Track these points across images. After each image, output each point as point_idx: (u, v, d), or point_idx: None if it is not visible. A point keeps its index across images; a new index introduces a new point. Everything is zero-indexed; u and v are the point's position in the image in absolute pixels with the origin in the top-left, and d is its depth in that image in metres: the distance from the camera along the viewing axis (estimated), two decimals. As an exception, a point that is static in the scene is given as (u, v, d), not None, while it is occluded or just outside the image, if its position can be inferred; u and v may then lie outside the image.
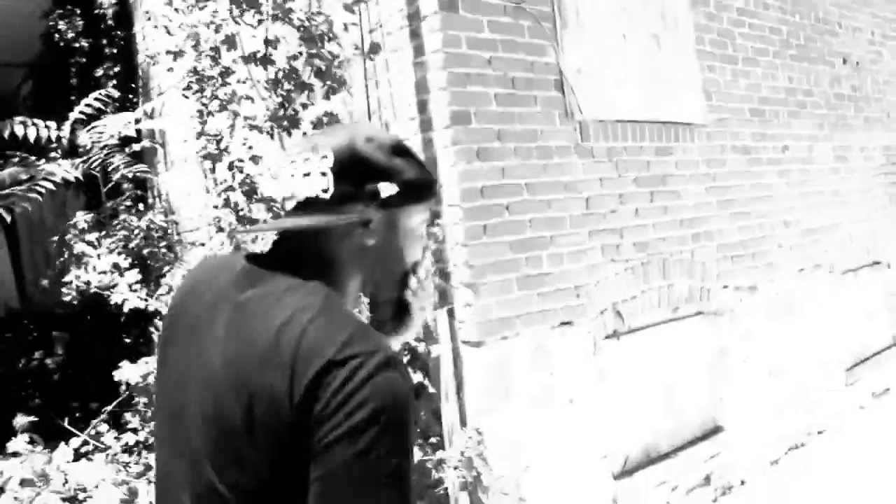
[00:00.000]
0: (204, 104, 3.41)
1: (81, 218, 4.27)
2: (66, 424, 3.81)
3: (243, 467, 0.99)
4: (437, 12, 3.39)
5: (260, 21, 3.13)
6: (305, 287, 1.07)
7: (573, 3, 3.92)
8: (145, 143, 4.02)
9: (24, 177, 4.55)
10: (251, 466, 0.98)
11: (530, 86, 3.70)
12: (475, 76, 3.49)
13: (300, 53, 3.22)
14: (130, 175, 4.70)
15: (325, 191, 1.10)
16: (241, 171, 3.33)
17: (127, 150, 4.96)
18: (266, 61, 3.17)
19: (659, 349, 4.30)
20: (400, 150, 1.15)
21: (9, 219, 4.20)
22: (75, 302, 3.70)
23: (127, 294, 3.85)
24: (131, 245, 4.61)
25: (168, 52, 3.49)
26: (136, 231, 4.73)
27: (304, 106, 3.54)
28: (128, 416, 3.40)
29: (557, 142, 3.80)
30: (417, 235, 1.19)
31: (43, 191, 4.37)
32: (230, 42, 3.19)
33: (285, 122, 3.30)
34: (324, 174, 1.10)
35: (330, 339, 0.98)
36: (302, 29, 3.16)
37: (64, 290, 3.75)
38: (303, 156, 1.14)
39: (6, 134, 4.64)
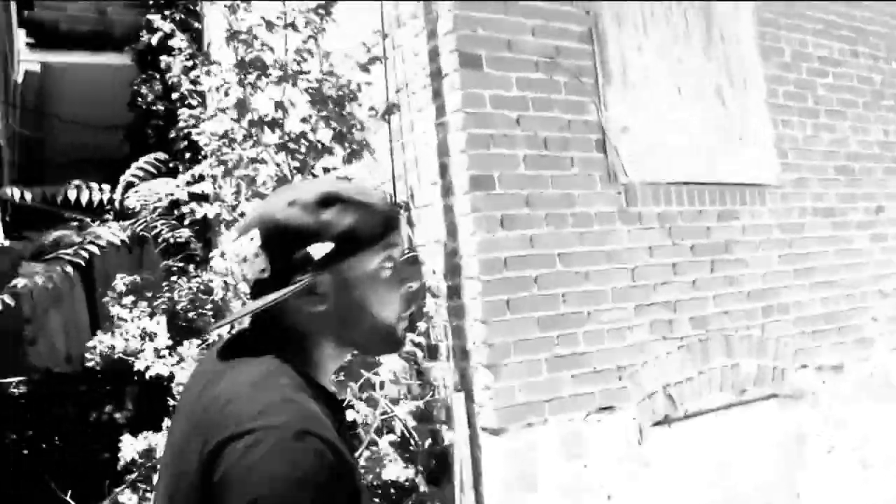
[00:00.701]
0: (213, 169, 3.30)
1: (120, 281, 4.25)
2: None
3: None
4: (458, 70, 3.16)
5: (266, 84, 3.00)
6: (257, 362, 1.03)
7: (618, 57, 3.61)
8: (185, 208, 4.00)
9: (76, 239, 4.58)
10: None
11: (566, 146, 3.40)
12: (500, 137, 3.22)
13: (310, 116, 3.06)
14: (173, 240, 4.67)
15: (262, 271, 1.07)
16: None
17: (176, 212, 4.96)
18: (274, 125, 3.02)
19: (721, 437, 3.80)
20: (328, 201, 1.07)
21: (50, 284, 4.21)
22: (98, 367, 3.63)
23: (151, 360, 3.75)
24: (178, 307, 4.55)
25: (190, 116, 3.43)
26: (184, 293, 4.68)
27: (326, 170, 3.37)
28: (127, 493, 3.26)
29: (598, 207, 3.46)
30: (383, 281, 1.09)
31: (86, 255, 4.37)
32: (241, 106, 3.06)
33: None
34: (256, 255, 1.08)
35: (240, 412, 0.95)
36: (312, 91, 3.00)
37: (87, 354, 3.70)
38: (238, 241, 1.11)
39: (60, 198, 4.72)
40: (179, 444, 1.03)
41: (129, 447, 3.07)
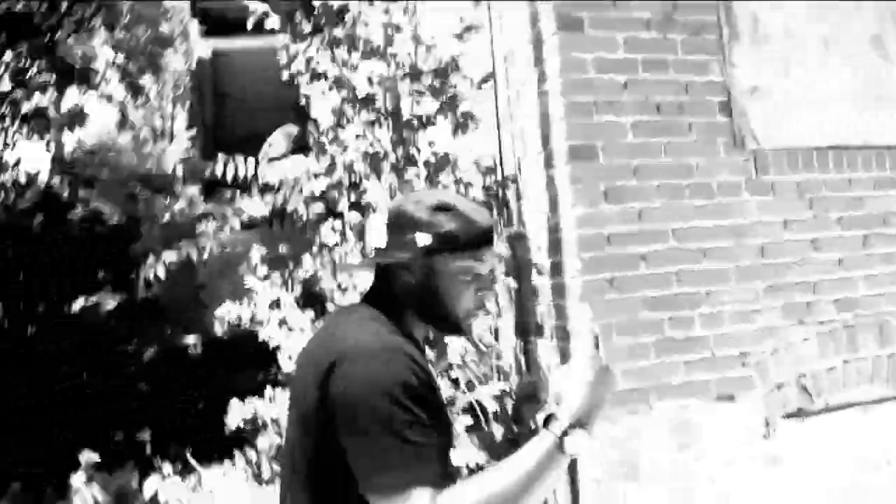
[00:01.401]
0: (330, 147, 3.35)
1: (256, 252, 4.45)
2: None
3: (307, 441, 1.27)
4: (556, 33, 2.97)
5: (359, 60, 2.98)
6: (361, 312, 1.36)
7: (748, 10, 3.23)
8: (309, 186, 4.11)
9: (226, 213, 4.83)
10: (311, 441, 1.26)
11: (682, 111, 3.11)
12: (604, 104, 3.00)
13: (402, 91, 3.01)
14: (307, 215, 4.83)
15: (382, 241, 1.39)
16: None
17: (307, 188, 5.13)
18: (368, 102, 3.00)
19: (871, 435, 3.36)
20: (443, 207, 1.36)
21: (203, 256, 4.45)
22: (225, 337, 3.84)
23: (273, 332, 3.91)
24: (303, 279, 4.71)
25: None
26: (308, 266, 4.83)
27: (430, 143, 3.32)
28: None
29: (722, 177, 3.14)
30: (461, 282, 1.35)
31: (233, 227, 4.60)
32: (338, 83, 3.07)
33: (398, 163, 3.10)
34: (381, 231, 1.40)
35: (345, 342, 1.25)
36: (403, 65, 2.94)
37: (216, 322, 3.91)
38: (377, 218, 1.51)
39: (208, 173, 5.02)
40: (301, 379, 1.30)
41: (237, 412, 3.22)
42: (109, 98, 14.27)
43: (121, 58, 12.37)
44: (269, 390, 3.47)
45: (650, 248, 3.01)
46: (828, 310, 3.28)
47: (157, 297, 6.85)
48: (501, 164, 3.43)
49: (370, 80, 3.03)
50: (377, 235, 1.40)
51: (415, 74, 3.00)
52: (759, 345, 3.15)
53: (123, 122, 14.58)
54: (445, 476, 1.15)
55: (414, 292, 1.36)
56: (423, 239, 1.33)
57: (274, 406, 3.61)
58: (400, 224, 1.37)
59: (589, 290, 2.92)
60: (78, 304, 6.74)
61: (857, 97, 3.40)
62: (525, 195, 3.33)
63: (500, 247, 3.15)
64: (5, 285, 6.93)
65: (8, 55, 10.32)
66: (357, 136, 3.20)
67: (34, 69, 12.28)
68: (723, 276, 3.11)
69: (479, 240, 1.36)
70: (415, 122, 3.11)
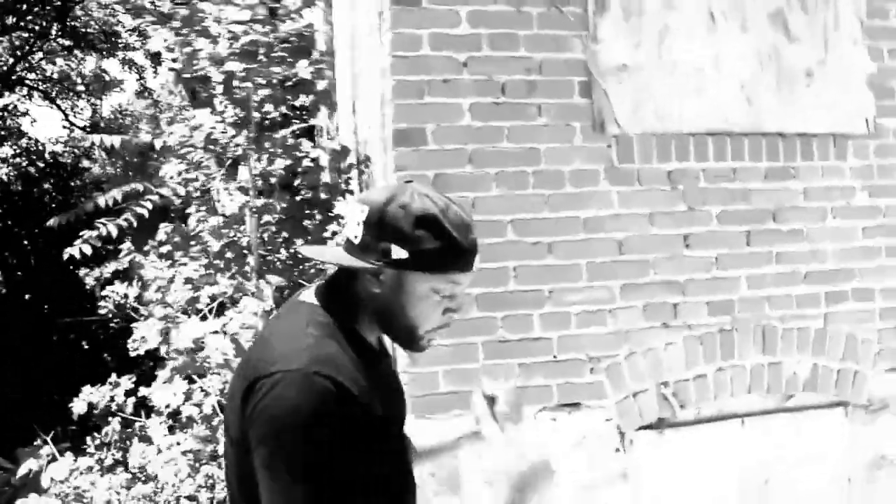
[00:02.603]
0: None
1: (162, 230, 4.35)
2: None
3: (238, 456, 1.23)
4: (392, 7, 2.73)
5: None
6: (304, 312, 1.29)
7: (617, -22, 2.92)
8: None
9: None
10: (239, 458, 1.22)
11: (533, 91, 2.84)
12: (439, 84, 2.76)
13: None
14: None
15: (355, 237, 1.28)
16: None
17: None
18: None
19: (750, 450, 3.08)
20: (427, 222, 1.24)
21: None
22: (110, 315, 3.76)
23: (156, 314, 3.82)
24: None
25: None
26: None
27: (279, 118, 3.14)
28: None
29: (577, 164, 2.88)
30: (431, 302, 1.27)
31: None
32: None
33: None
34: (358, 224, 1.28)
35: (271, 356, 1.20)
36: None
37: (101, 303, 3.84)
38: (353, 205, 1.32)
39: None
40: (232, 391, 1.27)
41: (81, 402, 3.14)
42: (131, 64, 14.44)
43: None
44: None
45: (483, 241, 2.77)
46: (699, 312, 3.00)
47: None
48: (357, 146, 3.23)
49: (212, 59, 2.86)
50: (351, 227, 1.29)
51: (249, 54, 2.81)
52: (612, 349, 2.89)
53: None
54: None
55: (377, 301, 1.29)
56: (399, 253, 1.24)
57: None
58: (380, 226, 1.26)
59: (411, 285, 2.72)
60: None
61: (750, 78, 3.06)
62: (371, 181, 3.13)
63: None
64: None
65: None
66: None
67: (51, 34, 12.48)
68: (571, 273, 2.86)
69: (458, 264, 1.27)
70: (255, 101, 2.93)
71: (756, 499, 3.09)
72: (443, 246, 1.24)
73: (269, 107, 3.09)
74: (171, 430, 3.52)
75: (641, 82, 2.93)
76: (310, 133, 4.00)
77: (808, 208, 3.15)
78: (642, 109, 2.93)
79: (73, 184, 9.82)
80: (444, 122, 2.76)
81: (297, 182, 3.09)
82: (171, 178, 3.23)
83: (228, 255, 3.07)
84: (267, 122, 3.16)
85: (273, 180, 3.14)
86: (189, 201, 3.31)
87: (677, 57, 2.99)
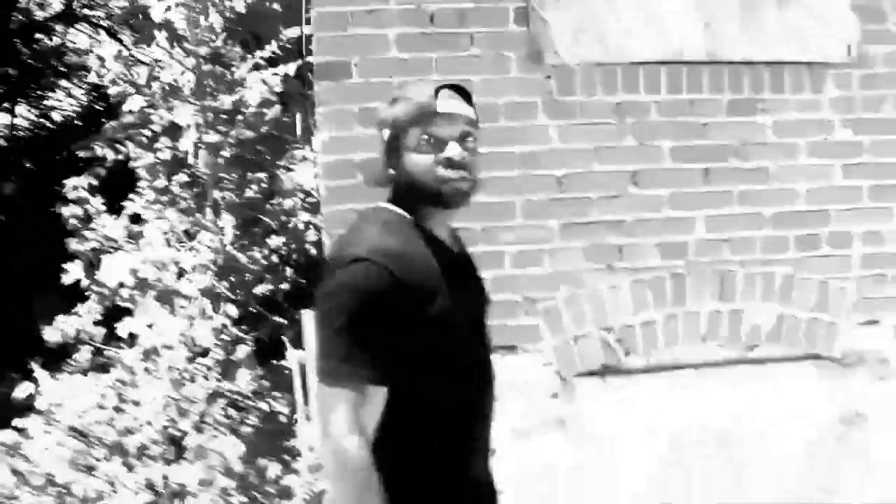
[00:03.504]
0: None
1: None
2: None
3: None
4: (313, -67, 2.65)
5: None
6: (379, 214, 1.46)
7: None
8: None
9: None
10: None
11: (464, 20, 2.71)
12: (363, 14, 2.67)
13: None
14: None
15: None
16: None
17: None
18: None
19: (709, 402, 2.91)
20: (396, 98, 1.49)
21: None
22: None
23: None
24: None
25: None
26: None
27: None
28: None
29: (509, 97, 2.74)
30: (422, 153, 1.42)
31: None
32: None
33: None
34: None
35: (341, 249, 1.41)
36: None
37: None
38: None
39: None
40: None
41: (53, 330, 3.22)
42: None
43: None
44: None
45: (410, 177, 2.69)
46: (648, 255, 2.83)
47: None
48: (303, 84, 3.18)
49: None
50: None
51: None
52: (549, 291, 2.77)
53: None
54: (383, 378, 1.31)
55: (402, 183, 1.45)
56: (385, 133, 1.46)
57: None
58: (378, 129, 1.50)
59: (335, 220, 2.67)
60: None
61: (709, 3, 2.83)
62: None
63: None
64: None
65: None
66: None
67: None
68: (505, 211, 2.74)
69: (419, 112, 1.42)
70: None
71: (717, 453, 2.92)
72: (401, 107, 1.45)
73: (218, 40, 3.07)
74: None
75: (584, 7, 2.75)
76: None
77: (778, 144, 2.91)
78: (585, 37, 2.76)
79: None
80: (369, 55, 2.68)
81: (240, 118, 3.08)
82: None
83: (177, 190, 3.09)
84: (220, 55, 3.15)
85: (224, 117, 3.14)
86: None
87: (628, -19, 2.79)
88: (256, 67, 3.17)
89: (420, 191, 1.42)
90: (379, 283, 1.31)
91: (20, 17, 11.58)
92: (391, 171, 1.46)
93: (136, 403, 3.00)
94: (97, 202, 3.19)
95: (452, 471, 1.43)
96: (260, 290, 3.36)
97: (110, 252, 2.97)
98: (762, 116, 2.89)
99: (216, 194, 3.23)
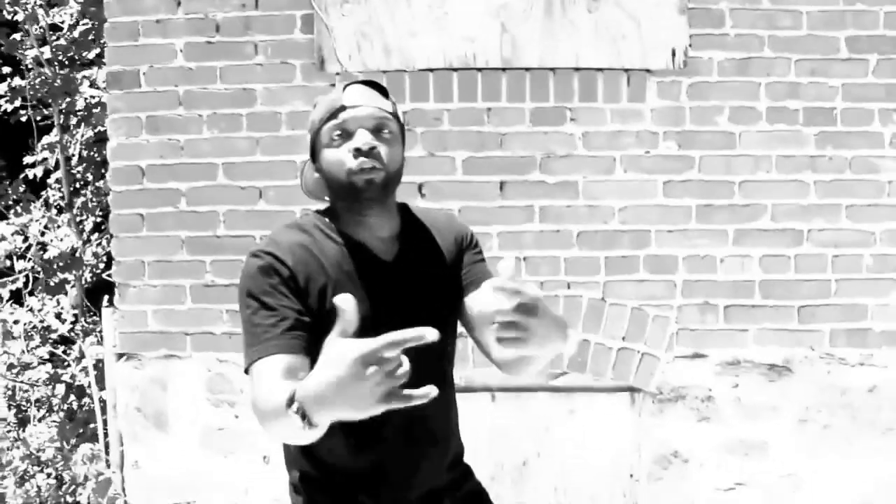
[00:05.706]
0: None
1: None
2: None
3: None
4: (111, -54, 2.74)
5: None
6: (304, 215, 1.52)
7: None
8: None
9: None
10: None
11: (248, 29, 2.71)
12: (151, 24, 2.73)
13: None
14: None
15: None
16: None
17: None
18: None
19: (505, 428, 2.76)
20: (315, 102, 1.47)
21: None
22: None
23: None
24: None
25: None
26: None
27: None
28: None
29: (294, 105, 2.71)
30: (333, 148, 1.40)
31: None
32: None
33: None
34: None
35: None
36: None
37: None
38: None
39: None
40: None
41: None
42: None
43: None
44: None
45: (192, 184, 2.74)
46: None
47: None
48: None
49: None
50: None
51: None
52: (331, 303, 2.74)
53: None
54: (290, 347, 1.29)
55: (326, 185, 1.45)
56: (308, 139, 1.47)
57: None
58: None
59: (120, 225, 2.78)
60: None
61: (512, 5, 2.63)
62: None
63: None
64: None
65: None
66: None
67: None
68: (285, 219, 2.72)
69: (327, 111, 1.41)
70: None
71: (511, 480, 2.78)
72: (315, 109, 1.43)
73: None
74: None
75: (368, 14, 2.65)
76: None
77: (589, 157, 2.67)
78: (368, 45, 2.66)
79: None
80: (157, 64, 2.74)
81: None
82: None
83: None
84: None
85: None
86: None
87: (423, -16, 2.65)
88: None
89: (337, 188, 1.41)
90: (268, 268, 1.33)
91: None
92: (316, 175, 1.45)
93: None
94: None
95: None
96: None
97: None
98: (571, 126, 2.66)
99: None
